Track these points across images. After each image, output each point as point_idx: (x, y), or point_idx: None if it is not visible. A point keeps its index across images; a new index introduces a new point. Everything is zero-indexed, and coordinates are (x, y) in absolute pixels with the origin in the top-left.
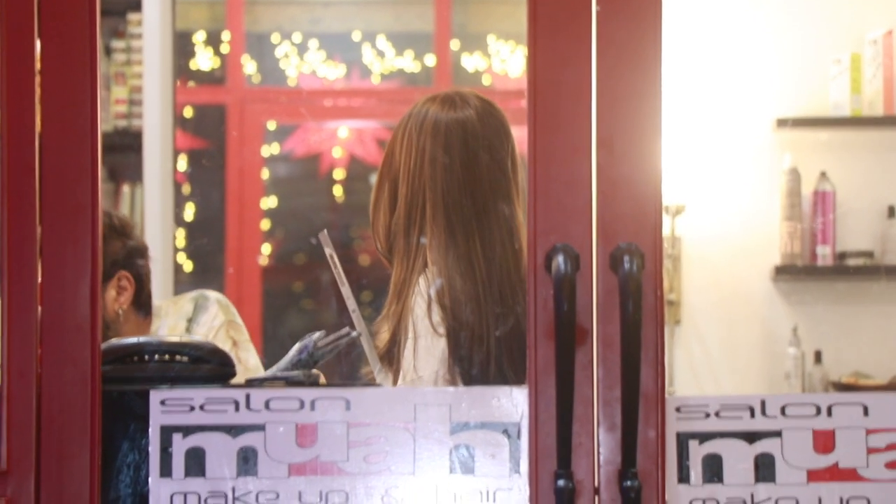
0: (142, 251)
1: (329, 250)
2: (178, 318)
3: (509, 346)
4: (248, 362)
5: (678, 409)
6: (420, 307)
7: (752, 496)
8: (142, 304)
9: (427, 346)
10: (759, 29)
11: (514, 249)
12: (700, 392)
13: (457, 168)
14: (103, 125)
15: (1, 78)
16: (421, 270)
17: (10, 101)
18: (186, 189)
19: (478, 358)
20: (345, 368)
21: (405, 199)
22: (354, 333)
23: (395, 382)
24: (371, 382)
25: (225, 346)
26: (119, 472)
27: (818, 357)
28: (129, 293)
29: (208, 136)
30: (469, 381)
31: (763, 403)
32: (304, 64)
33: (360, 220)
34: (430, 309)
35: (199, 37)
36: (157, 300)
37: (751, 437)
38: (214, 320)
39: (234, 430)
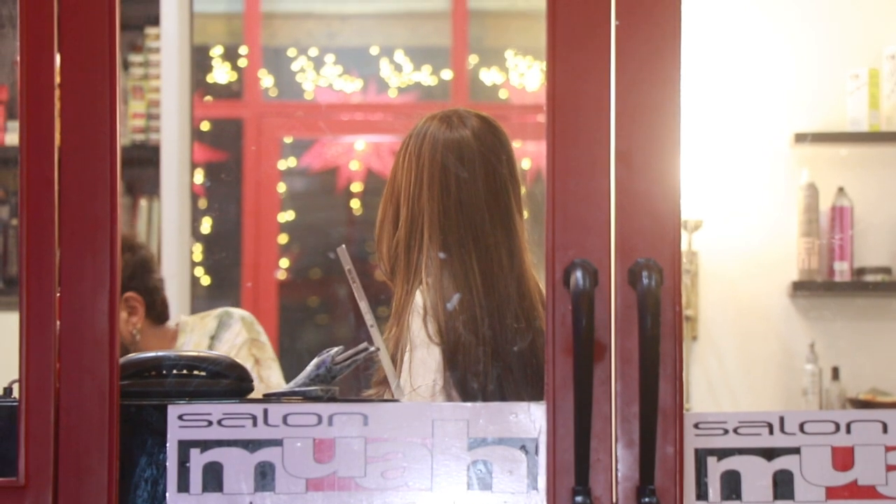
0: (148, 263)
1: (347, 266)
2: (201, 335)
3: (509, 362)
4: (271, 380)
5: (696, 426)
6: (416, 320)
7: None
8: (157, 315)
9: (422, 357)
10: (778, 44)
11: (515, 267)
12: (717, 408)
13: (453, 189)
14: (121, 139)
15: (21, 92)
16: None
17: (30, 114)
18: (203, 203)
19: (475, 372)
20: (363, 384)
21: (406, 221)
22: (372, 349)
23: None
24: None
25: (246, 363)
26: (137, 486)
27: (836, 373)
28: (140, 312)
29: (225, 149)
30: (465, 392)
31: (782, 420)
32: (321, 78)
33: None
34: (426, 320)
35: (217, 51)
36: (184, 315)
37: (769, 453)
38: (237, 338)
39: (251, 445)
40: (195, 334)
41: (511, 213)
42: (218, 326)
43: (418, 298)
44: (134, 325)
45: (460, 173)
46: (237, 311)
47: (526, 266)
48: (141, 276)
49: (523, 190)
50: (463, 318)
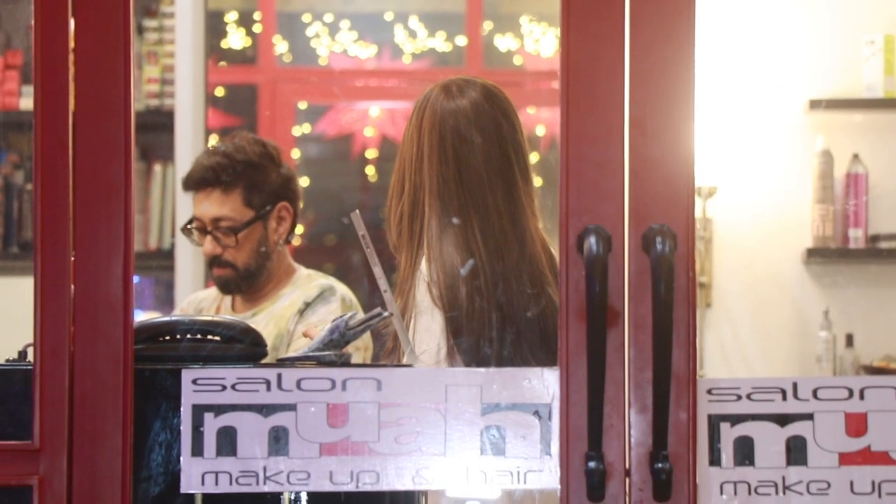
0: (293, 180)
1: (361, 231)
2: (299, 297)
3: (516, 327)
4: None
5: (709, 392)
6: (421, 287)
7: (783, 479)
8: (290, 231)
9: (427, 323)
10: (793, 10)
11: (519, 233)
12: (730, 374)
13: (451, 159)
14: (135, 104)
15: (35, 57)
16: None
17: (45, 79)
18: None
19: (480, 337)
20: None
21: (409, 192)
22: (386, 314)
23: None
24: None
25: None
26: (151, 450)
27: (849, 340)
28: (287, 223)
29: (240, 115)
30: (471, 358)
31: (795, 386)
32: (336, 44)
33: None
34: (430, 287)
35: (231, 16)
36: (303, 268)
37: (782, 419)
38: (329, 315)
39: (265, 410)
40: (297, 293)
41: (514, 181)
42: (317, 298)
43: (423, 266)
44: (280, 235)
45: (458, 142)
46: (340, 290)
47: (531, 232)
48: (287, 190)
49: (536, 156)
50: (467, 284)
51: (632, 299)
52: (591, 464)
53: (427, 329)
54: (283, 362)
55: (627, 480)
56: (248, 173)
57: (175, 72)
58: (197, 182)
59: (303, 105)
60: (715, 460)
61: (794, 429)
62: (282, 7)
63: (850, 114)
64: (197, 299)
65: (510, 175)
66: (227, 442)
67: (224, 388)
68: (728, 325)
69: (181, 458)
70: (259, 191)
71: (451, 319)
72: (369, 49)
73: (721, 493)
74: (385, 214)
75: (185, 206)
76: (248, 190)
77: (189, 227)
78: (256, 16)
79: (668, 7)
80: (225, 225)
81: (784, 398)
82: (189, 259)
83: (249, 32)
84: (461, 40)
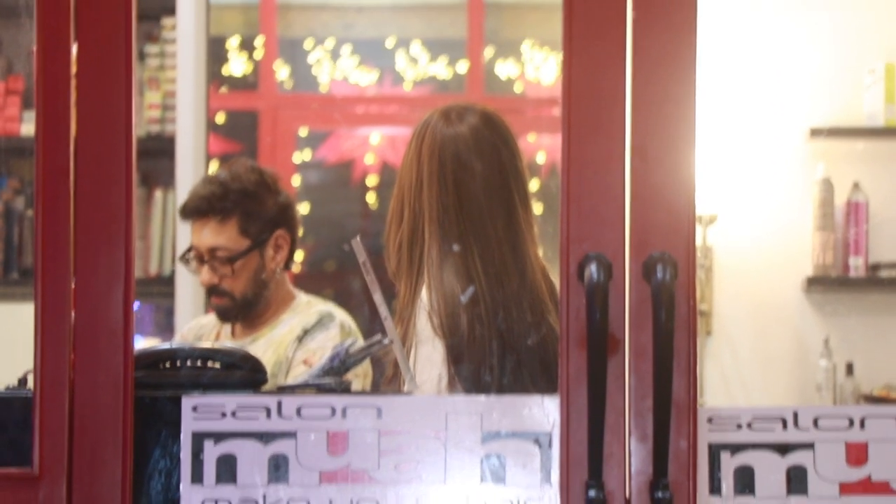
0: (291, 208)
1: (362, 258)
2: (299, 323)
3: (516, 355)
4: None
5: (710, 420)
6: (422, 316)
7: None
8: (288, 259)
9: (428, 353)
10: (794, 38)
11: (519, 261)
12: (731, 403)
13: (450, 185)
14: (136, 130)
15: (37, 82)
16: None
17: (46, 105)
18: None
19: (480, 366)
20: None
21: (409, 219)
22: (386, 341)
23: None
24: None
25: None
26: (150, 478)
27: (850, 369)
28: (284, 251)
29: (240, 141)
30: (471, 387)
31: (796, 415)
32: (337, 70)
33: None
34: (431, 317)
35: (233, 42)
36: (303, 294)
37: (783, 448)
38: (329, 342)
39: (265, 437)
40: (297, 318)
41: (513, 208)
42: (316, 324)
43: (424, 294)
44: (278, 263)
45: (457, 169)
46: (340, 316)
47: (531, 260)
48: (284, 218)
49: (536, 183)
50: (468, 312)
51: (632, 327)
52: (592, 492)
53: (428, 359)
54: (283, 390)
55: None
56: (243, 202)
57: (176, 97)
58: (193, 211)
59: (303, 131)
60: (715, 489)
61: (795, 458)
62: (283, 33)
63: (851, 142)
64: (198, 325)
65: (510, 202)
66: (227, 469)
67: (224, 415)
68: (728, 353)
69: (181, 486)
70: (255, 219)
71: (452, 347)
72: (370, 75)
73: None
74: (384, 241)
75: (186, 232)
76: (244, 219)
77: (187, 256)
78: (258, 41)
79: (670, 34)
80: (221, 255)
81: (784, 427)
82: (189, 285)
83: (251, 58)
84: (462, 66)
